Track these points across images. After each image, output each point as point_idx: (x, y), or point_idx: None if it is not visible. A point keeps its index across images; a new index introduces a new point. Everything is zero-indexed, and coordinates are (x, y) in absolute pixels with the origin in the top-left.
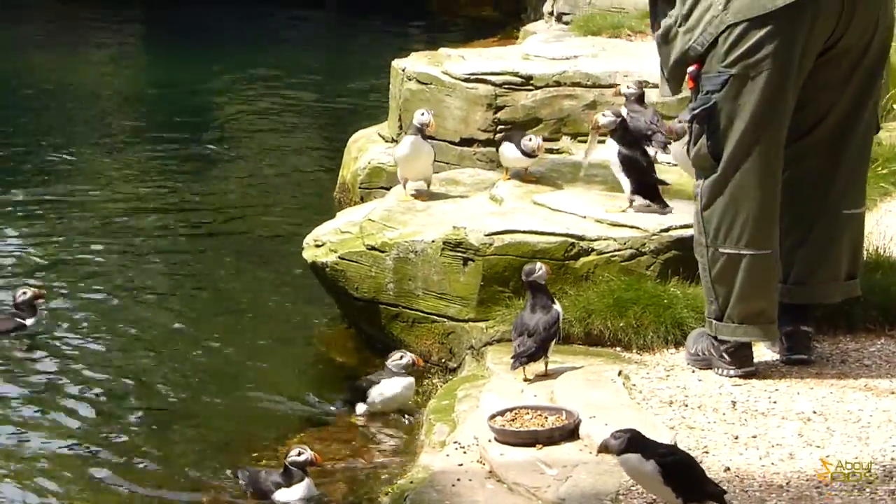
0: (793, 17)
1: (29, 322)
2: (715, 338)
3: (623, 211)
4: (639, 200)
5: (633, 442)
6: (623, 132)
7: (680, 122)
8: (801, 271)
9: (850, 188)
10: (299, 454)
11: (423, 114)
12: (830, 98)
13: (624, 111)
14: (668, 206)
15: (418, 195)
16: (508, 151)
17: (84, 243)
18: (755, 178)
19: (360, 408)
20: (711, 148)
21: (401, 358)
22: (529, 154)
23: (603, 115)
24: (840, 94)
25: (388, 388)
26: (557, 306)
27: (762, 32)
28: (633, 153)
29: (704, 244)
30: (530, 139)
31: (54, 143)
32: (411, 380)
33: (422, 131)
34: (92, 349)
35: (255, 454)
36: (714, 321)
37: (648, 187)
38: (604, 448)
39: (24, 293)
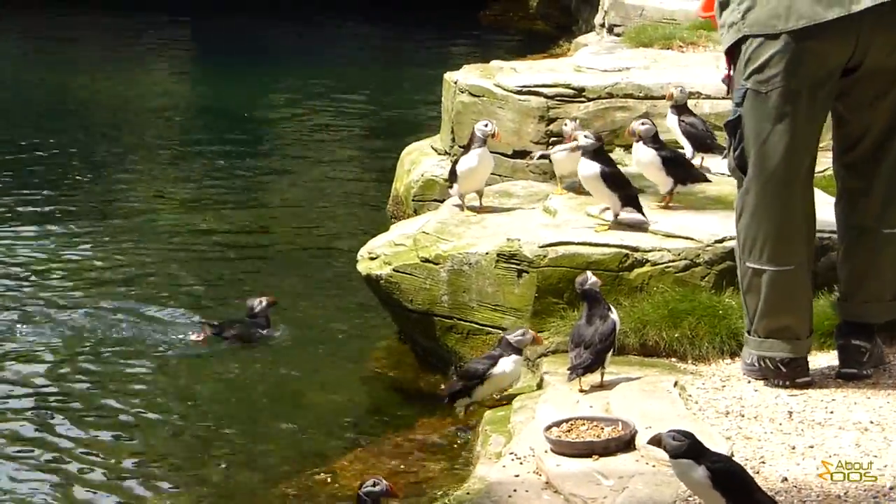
0: (801, 39)
1: (265, 332)
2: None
3: (607, 228)
4: (626, 214)
5: (690, 448)
6: (657, 139)
7: (643, 123)
8: (846, 288)
9: (888, 208)
10: (374, 484)
11: (486, 125)
12: (866, 117)
13: (674, 119)
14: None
15: (473, 208)
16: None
17: (138, 257)
18: (773, 194)
19: (478, 393)
20: (738, 161)
21: (523, 334)
22: None
23: (641, 122)
24: (874, 113)
25: (505, 365)
26: (614, 315)
27: (772, 50)
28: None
29: (738, 256)
30: None
31: (107, 158)
32: (521, 358)
33: (485, 143)
34: (141, 361)
35: (310, 471)
36: (746, 334)
37: (633, 198)
38: (656, 441)
39: (261, 302)
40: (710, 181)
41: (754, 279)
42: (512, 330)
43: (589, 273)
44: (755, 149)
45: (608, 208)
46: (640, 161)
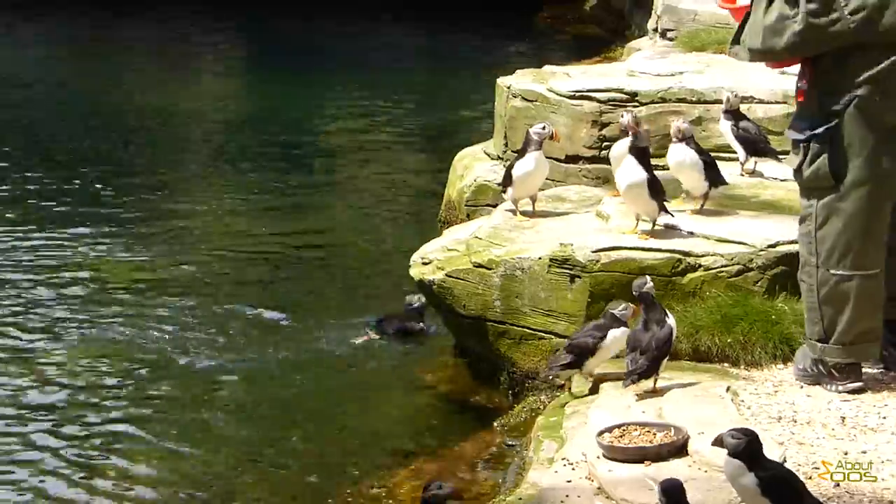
0: None
1: (421, 325)
2: (819, 359)
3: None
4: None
5: (746, 450)
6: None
7: (685, 122)
8: (891, 290)
9: None
10: (440, 487)
11: (543, 127)
12: None
13: (727, 124)
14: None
15: (526, 213)
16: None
17: (190, 261)
18: (874, 201)
19: (589, 365)
20: (833, 168)
21: (625, 308)
22: None
23: (683, 121)
24: None
25: (614, 336)
26: (671, 320)
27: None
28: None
29: (815, 265)
30: None
31: (159, 164)
32: (627, 329)
33: (541, 146)
34: (201, 363)
35: (366, 484)
36: (818, 343)
37: (664, 206)
38: (718, 442)
39: (420, 299)
40: (727, 184)
41: (840, 286)
42: (615, 304)
43: (647, 277)
44: (862, 155)
45: (641, 216)
46: (680, 162)
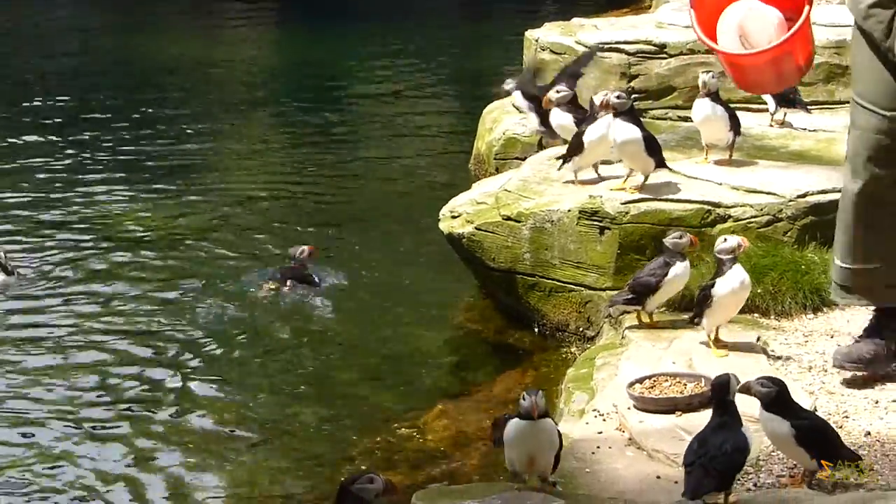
0: None
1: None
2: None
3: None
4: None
5: (777, 401)
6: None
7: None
8: None
9: None
10: (371, 481)
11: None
12: None
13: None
14: None
15: (588, 181)
16: None
17: (217, 213)
18: None
19: (651, 303)
20: None
21: (680, 237)
22: None
23: (712, 75)
24: None
25: (677, 270)
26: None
27: None
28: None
29: None
30: None
31: (190, 119)
32: (688, 262)
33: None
34: (230, 315)
35: (395, 424)
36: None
37: (663, 163)
38: (746, 389)
39: (303, 251)
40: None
41: None
42: (670, 233)
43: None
44: None
45: (633, 172)
46: (706, 117)
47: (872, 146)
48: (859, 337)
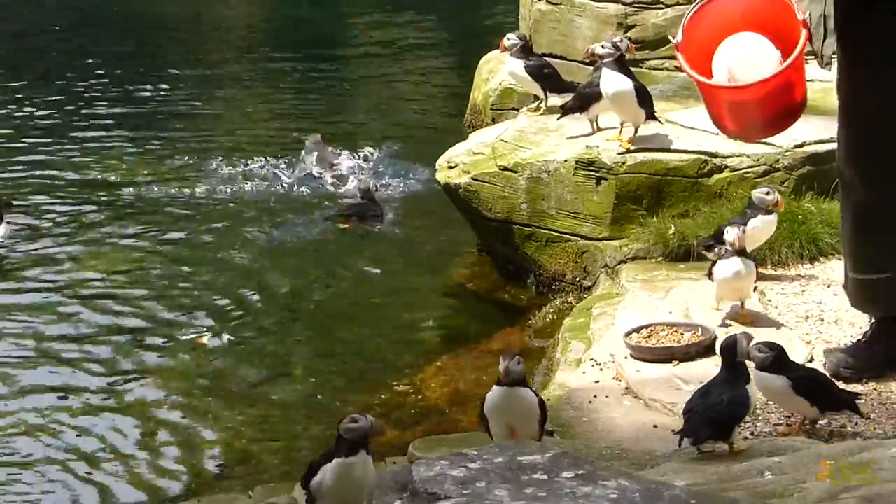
0: None
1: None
2: None
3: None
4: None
5: (775, 363)
6: None
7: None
8: None
9: None
10: (354, 421)
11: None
12: None
13: None
14: None
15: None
16: None
17: (215, 162)
18: None
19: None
20: None
21: (767, 193)
22: None
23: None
24: None
25: (756, 223)
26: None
27: None
28: None
29: None
30: None
31: (186, 69)
32: (774, 217)
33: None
34: (236, 265)
35: (393, 381)
36: None
37: (653, 114)
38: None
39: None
40: None
41: None
42: (759, 187)
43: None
44: None
45: (626, 124)
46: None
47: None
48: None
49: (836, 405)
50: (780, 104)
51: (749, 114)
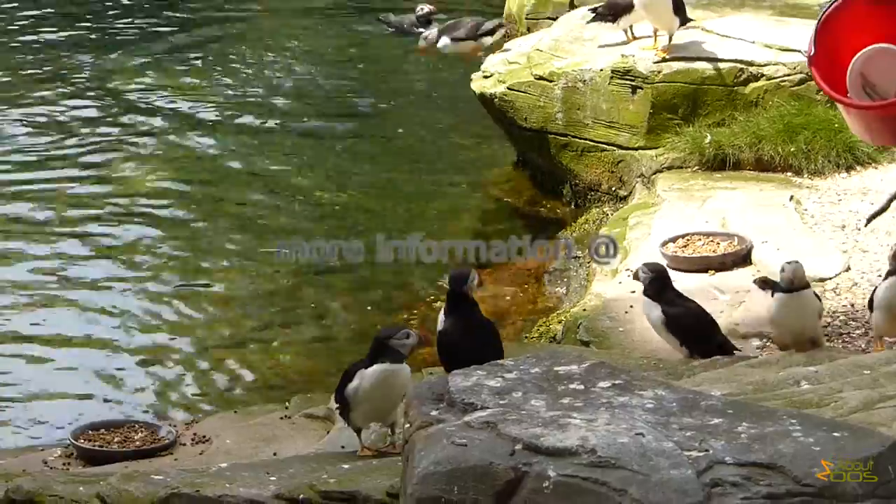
0: None
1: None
2: None
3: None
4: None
5: (653, 285)
6: None
7: None
8: None
9: None
10: (407, 336)
11: None
12: None
13: None
14: None
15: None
16: None
17: (233, 132)
18: None
19: None
20: None
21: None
22: None
23: None
24: None
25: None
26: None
27: None
28: None
29: None
30: None
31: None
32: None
33: None
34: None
35: (431, 297)
36: None
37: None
38: (636, 276)
39: (422, 8)
40: None
41: None
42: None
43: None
44: None
45: (660, 32)
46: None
47: None
48: None
49: (709, 352)
50: None
51: None
